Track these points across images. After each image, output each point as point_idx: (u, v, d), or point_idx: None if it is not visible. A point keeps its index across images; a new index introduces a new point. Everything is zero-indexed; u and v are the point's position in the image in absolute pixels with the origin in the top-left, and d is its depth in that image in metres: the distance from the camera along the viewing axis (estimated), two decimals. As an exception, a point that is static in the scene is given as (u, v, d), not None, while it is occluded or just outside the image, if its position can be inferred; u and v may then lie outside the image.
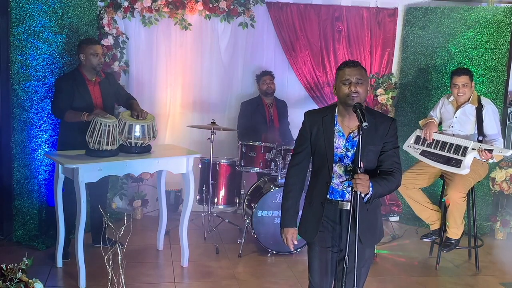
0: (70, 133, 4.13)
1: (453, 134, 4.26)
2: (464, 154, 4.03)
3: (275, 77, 5.34)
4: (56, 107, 4.10)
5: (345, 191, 2.57)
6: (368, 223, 2.57)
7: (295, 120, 5.27)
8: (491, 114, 4.18)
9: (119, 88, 4.44)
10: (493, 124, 4.17)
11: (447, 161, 4.12)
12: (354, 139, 2.53)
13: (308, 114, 2.66)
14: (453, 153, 4.10)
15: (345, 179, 2.55)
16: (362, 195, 2.42)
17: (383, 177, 2.50)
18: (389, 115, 5.68)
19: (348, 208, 2.52)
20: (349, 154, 2.54)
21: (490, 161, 4.04)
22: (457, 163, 4.04)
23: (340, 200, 2.57)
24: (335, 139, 2.55)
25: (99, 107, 4.17)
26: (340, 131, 2.56)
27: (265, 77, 5.27)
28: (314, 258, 2.67)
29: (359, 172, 2.39)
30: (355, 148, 2.53)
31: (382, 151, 2.56)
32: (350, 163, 2.54)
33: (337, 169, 2.55)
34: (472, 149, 3.99)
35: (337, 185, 2.57)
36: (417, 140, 4.44)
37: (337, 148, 2.55)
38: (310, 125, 2.61)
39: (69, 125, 4.10)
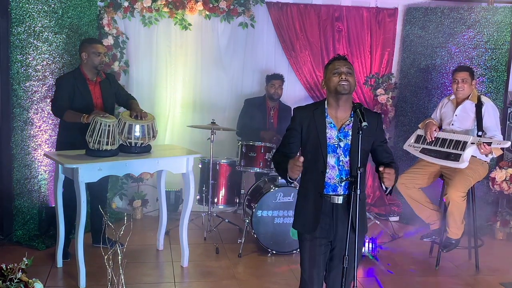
0: (69, 133, 4.12)
1: (453, 132, 4.28)
2: (463, 148, 4.04)
3: (284, 82, 5.30)
4: (55, 106, 4.09)
5: (337, 185, 2.62)
6: (360, 215, 2.61)
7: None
8: (491, 111, 4.20)
9: (120, 89, 4.44)
10: (492, 120, 4.18)
11: (447, 156, 4.14)
12: (347, 130, 2.63)
13: (298, 110, 2.74)
14: (453, 149, 4.12)
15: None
16: (384, 187, 2.55)
17: (393, 165, 2.62)
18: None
19: (341, 202, 2.62)
20: (342, 144, 2.62)
21: (490, 156, 4.05)
22: (456, 157, 4.06)
23: (333, 194, 2.62)
24: (327, 130, 2.62)
25: (99, 107, 4.17)
26: (331, 123, 2.64)
27: (275, 80, 5.19)
28: (306, 251, 2.70)
29: (359, 172, 2.43)
30: (347, 138, 2.62)
31: (374, 148, 2.69)
32: (343, 154, 2.60)
33: (330, 159, 2.61)
34: (472, 143, 4.01)
35: (330, 178, 2.62)
36: (418, 139, 4.48)
37: (329, 138, 2.62)
38: (300, 119, 2.67)
39: (68, 125, 4.09)
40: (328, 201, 2.63)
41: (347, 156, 2.61)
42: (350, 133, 2.62)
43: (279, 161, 2.65)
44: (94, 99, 4.16)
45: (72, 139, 4.07)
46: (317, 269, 2.67)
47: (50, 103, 4.26)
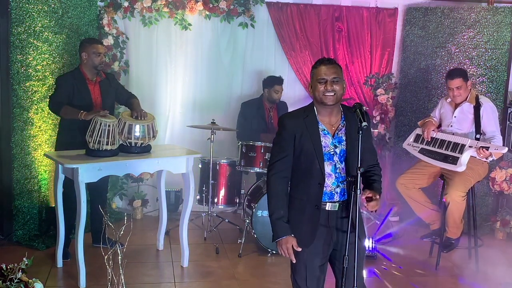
0: (69, 133, 4.12)
1: (452, 133, 4.28)
2: (461, 151, 4.04)
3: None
4: (53, 101, 4.09)
5: (333, 192, 2.56)
6: (360, 218, 2.58)
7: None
8: (490, 112, 4.18)
9: (120, 88, 4.44)
10: (491, 121, 4.17)
11: (445, 158, 4.14)
12: (340, 136, 2.55)
13: (287, 118, 2.59)
14: (450, 151, 4.12)
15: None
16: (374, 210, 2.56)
17: (375, 180, 2.64)
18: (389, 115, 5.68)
19: (336, 209, 2.55)
20: (337, 150, 2.54)
21: (490, 159, 4.05)
22: (454, 160, 4.06)
23: (329, 201, 2.55)
24: (321, 138, 2.53)
25: (98, 107, 4.16)
26: (324, 129, 2.55)
27: (278, 86, 5.13)
28: (301, 263, 2.59)
29: (359, 171, 2.40)
30: (342, 143, 2.55)
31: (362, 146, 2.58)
32: (339, 161, 2.54)
33: (326, 168, 2.53)
34: (469, 146, 4.01)
35: (326, 186, 2.54)
36: (417, 138, 4.47)
37: (324, 147, 2.53)
38: (292, 128, 2.53)
39: (68, 125, 4.10)
40: (324, 209, 2.54)
41: (343, 162, 2.54)
42: (344, 138, 2.54)
43: (276, 203, 2.56)
44: (93, 99, 4.16)
45: (72, 139, 4.06)
46: (313, 281, 2.60)
47: (48, 99, 4.26)
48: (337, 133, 2.55)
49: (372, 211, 2.54)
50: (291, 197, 2.62)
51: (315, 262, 2.58)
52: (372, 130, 5.48)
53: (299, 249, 2.53)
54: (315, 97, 2.53)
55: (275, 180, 2.57)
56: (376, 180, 2.64)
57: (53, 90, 4.19)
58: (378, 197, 2.53)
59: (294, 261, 2.55)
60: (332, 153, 2.54)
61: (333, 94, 2.47)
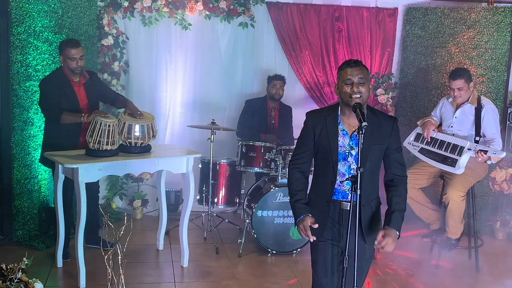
0: (56, 134, 4.07)
1: (453, 134, 4.27)
2: (460, 153, 4.05)
3: (286, 83, 5.29)
4: (49, 110, 4.04)
5: (347, 192, 2.57)
6: (371, 223, 2.61)
7: (296, 120, 5.27)
8: (491, 114, 4.18)
9: (104, 87, 4.39)
10: (492, 124, 4.16)
11: (444, 160, 4.14)
12: (358, 137, 2.54)
13: (310, 114, 2.66)
14: (450, 152, 4.13)
15: (345, 179, 2.54)
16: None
17: (396, 202, 2.59)
18: (391, 116, 5.68)
19: (349, 208, 2.54)
20: (353, 152, 2.56)
21: (489, 162, 4.04)
22: (453, 163, 4.06)
23: (342, 200, 2.58)
24: (339, 138, 2.56)
25: (85, 108, 4.13)
26: (343, 130, 2.58)
27: (276, 81, 5.19)
28: (316, 254, 2.66)
29: (360, 171, 2.39)
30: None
31: (386, 154, 2.62)
32: (354, 162, 2.54)
33: (340, 167, 2.56)
34: (468, 149, 4.01)
35: (339, 185, 2.58)
36: (417, 137, 4.47)
37: (341, 146, 2.56)
38: (313, 124, 2.60)
39: (54, 126, 4.05)
40: (337, 206, 2.59)
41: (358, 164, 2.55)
42: (362, 140, 2.53)
43: (295, 188, 2.62)
44: (79, 100, 4.12)
45: (59, 140, 4.03)
46: (326, 272, 2.63)
47: (40, 108, 4.17)
48: (355, 135, 2.55)
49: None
50: (309, 191, 2.70)
51: (328, 255, 2.63)
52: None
53: (316, 226, 2.54)
54: (341, 98, 2.55)
55: (293, 170, 2.68)
56: (395, 210, 2.59)
57: (41, 96, 4.09)
58: (390, 238, 2.51)
59: (312, 240, 2.56)
60: (347, 153, 2.56)
61: (359, 96, 2.48)
